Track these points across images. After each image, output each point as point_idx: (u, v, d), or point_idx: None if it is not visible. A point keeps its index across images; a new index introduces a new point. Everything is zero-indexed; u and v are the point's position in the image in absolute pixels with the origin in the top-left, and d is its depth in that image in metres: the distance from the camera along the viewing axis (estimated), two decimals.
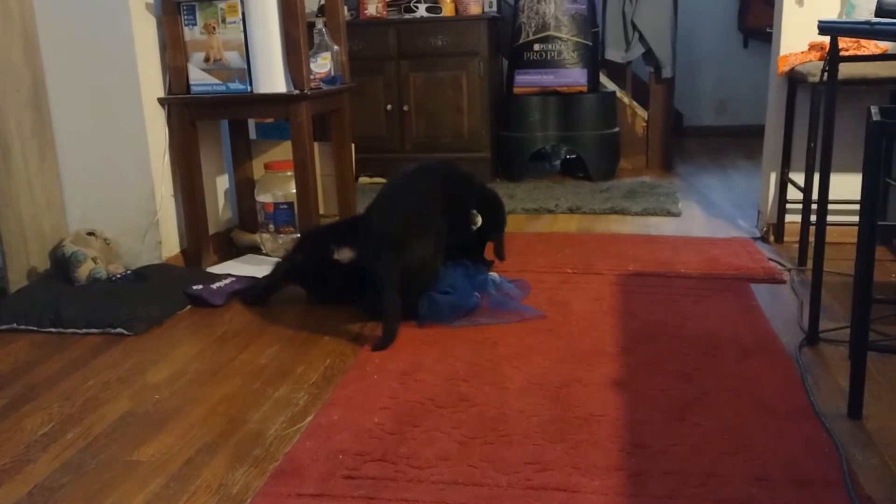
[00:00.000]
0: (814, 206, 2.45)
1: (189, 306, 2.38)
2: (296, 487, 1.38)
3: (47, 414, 1.72)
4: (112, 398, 1.79)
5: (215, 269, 2.69)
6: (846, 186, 2.76)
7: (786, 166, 2.82)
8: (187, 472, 1.47)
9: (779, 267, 2.58)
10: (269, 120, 3.61)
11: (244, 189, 3.06)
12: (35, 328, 2.22)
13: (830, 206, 2.23)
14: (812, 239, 2.08)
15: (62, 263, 2.46)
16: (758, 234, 2.98)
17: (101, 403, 1.76)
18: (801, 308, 2.18)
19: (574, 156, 4.29)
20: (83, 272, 2.41)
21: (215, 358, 2.01)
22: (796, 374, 1.76)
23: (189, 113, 2.65)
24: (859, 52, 2.47)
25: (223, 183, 3.03)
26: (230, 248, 2.99)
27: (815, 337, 1.96)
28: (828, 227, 1.95)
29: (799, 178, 2.66)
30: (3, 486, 1.44)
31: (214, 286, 2.43)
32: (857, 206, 1.72)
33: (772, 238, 2.90)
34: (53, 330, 2.20)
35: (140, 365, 1.98)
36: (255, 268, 2.67)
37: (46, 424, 1.67)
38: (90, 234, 2.54)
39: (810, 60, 2.63)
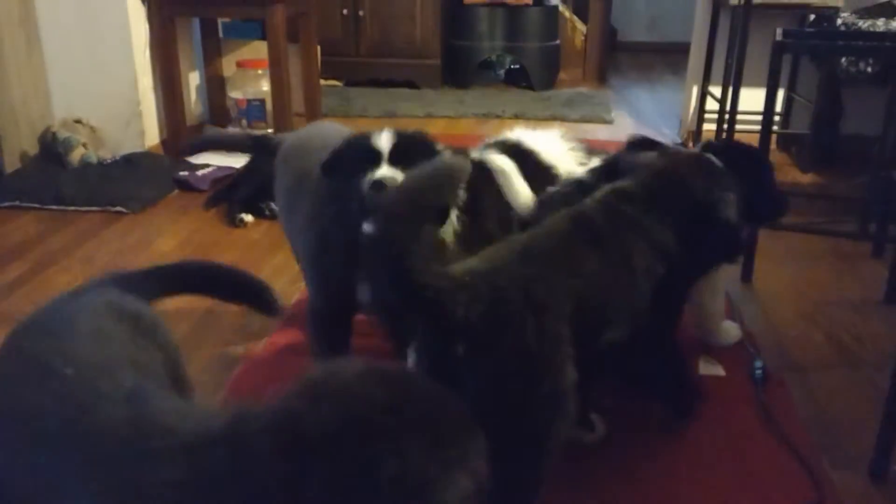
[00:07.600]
0: (727, 116, 2.83)
1: (177, 190, 2.61)
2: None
3: (72, 274, 1.98)
4: (129, 262, 2.05)
5: (194, 160, 2.90)
6: (758, 100, 3.14)
7: (706, 80, 3.18)
8: (210, 319, 1.77)
9: None
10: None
11: (215, 86, 3.24)
12: (38, 205, 2.42)
13: (742, 117, 2.60)
14: None
15: (52, 148, 2.64)
16: (679, 140, 3.37)
17: (120, 265, 2.01)
18: None
19: (518, 66, 4.57)
20: (75, 156, 2.61)
21: (213, 233, 2.28)
22: None
23: (168, 9, 2.80)
24: None
25: (195, 79, 3.21)
26: None
27: None
28: (737, 135, 2.33)
29: (717, 90, 3.04)
30: None
31: (199, 173, 2.66)
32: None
33: (690, 144, 3.30)
34: (56, 207, 2.41)
35: (146, 237, 2.24)
36: (232, 158, 2.89)
37: (74, 282, 1.91)
38: (77, 121, 2.72)
39: None
